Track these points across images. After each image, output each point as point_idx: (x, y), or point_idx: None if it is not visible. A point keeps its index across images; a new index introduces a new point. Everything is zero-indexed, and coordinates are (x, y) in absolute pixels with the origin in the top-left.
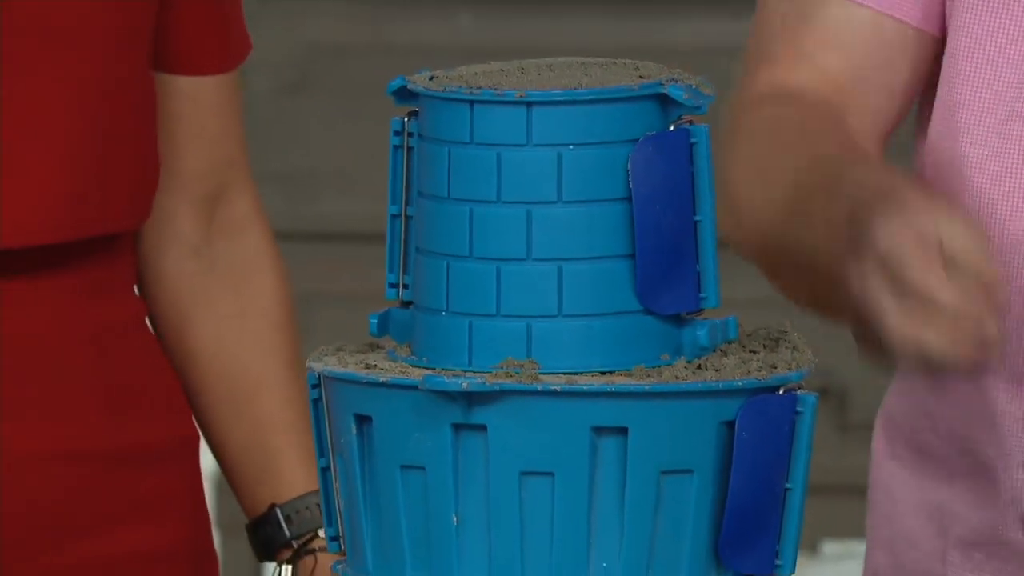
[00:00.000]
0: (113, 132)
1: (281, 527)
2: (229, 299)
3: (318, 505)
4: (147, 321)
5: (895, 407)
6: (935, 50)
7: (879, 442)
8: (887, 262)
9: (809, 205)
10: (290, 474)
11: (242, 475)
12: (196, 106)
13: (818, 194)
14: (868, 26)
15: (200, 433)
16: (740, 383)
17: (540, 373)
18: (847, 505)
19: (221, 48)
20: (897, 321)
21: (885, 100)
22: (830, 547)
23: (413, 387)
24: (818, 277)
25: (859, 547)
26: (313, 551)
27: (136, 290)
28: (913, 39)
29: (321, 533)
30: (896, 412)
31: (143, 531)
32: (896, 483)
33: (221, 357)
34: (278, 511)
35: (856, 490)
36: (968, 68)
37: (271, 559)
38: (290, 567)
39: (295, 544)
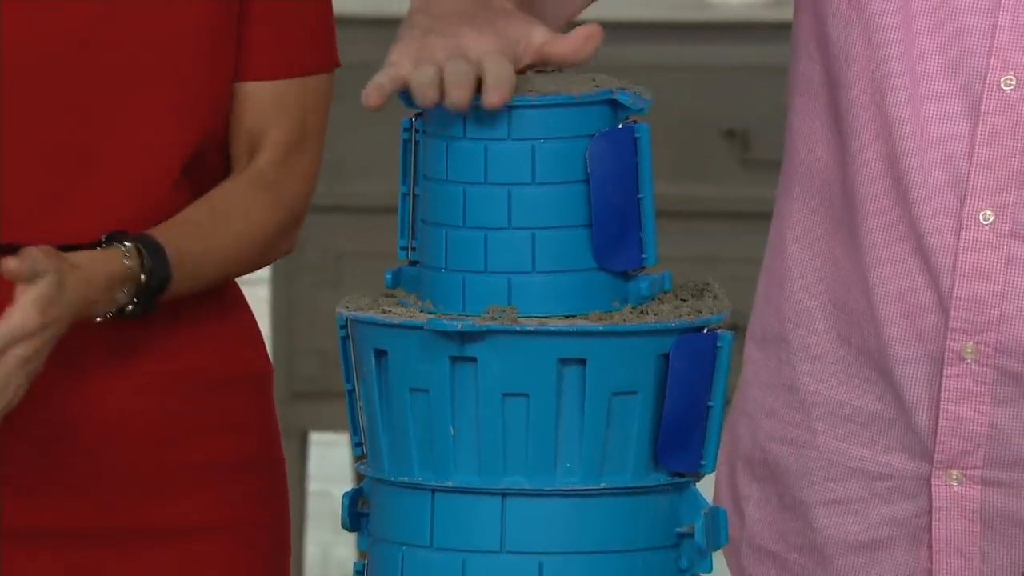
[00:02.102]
0: (202, 139)
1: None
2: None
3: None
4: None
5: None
6: None
7: (748, 347)
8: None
9: None
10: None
11: None
12: (242, 103)
13: None
14: None
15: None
16: (674, 324)
17: (519, 317)
18: None
19: (274, 60)
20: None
21: None
22: None
23: (419, 328)
24: None
25: None
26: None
27: None
28: None
29: (127, 244)
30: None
31: (223, 442)
32: (750, 368)
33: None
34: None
35: None
36: None
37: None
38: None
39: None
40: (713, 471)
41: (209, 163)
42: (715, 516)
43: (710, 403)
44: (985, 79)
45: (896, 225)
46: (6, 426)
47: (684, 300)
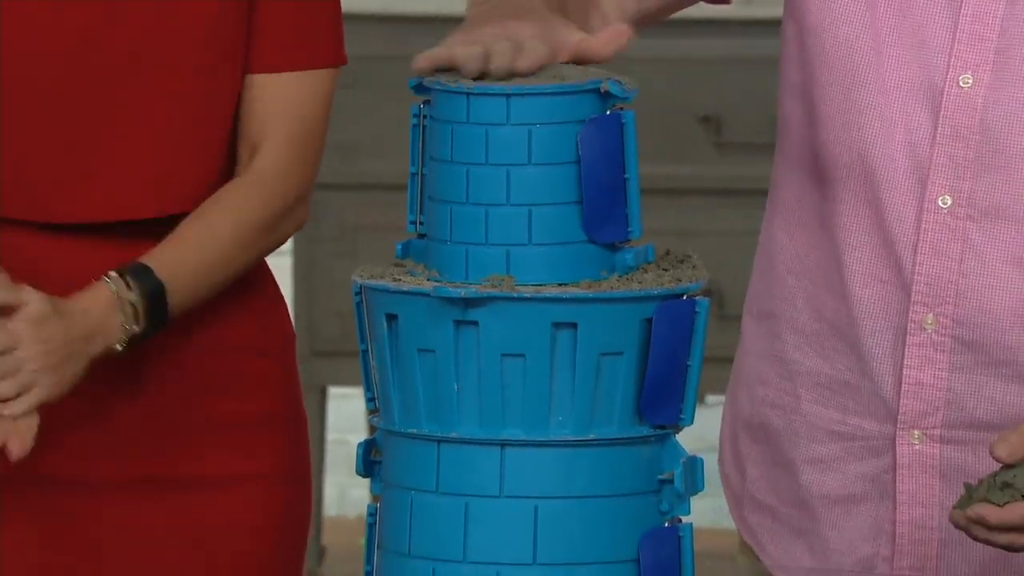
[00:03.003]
0: (212, 126)
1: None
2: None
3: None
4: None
5: (755, 294)
6: None
7: (745, 320)
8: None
9: None
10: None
11: None
12: (249, 93)
13: None
14: None
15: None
16: (656, 291)
17: (516, 284)
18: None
19: (283, 52)
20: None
21: None
22: (711, 399)
23: (426, 294)
24: None
25: None
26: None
27: None
28: None
29: (112, 274)
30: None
31: (251, 400)
32: (747, 341)
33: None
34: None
35: (725, 359)
36: None
37: None
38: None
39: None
40: (692, 424)
41: (217, 150)
42: (692, 464)
43: (688, 363)
44: (946, 77)
45: (864, 210)
46: None
47: (665, 270)
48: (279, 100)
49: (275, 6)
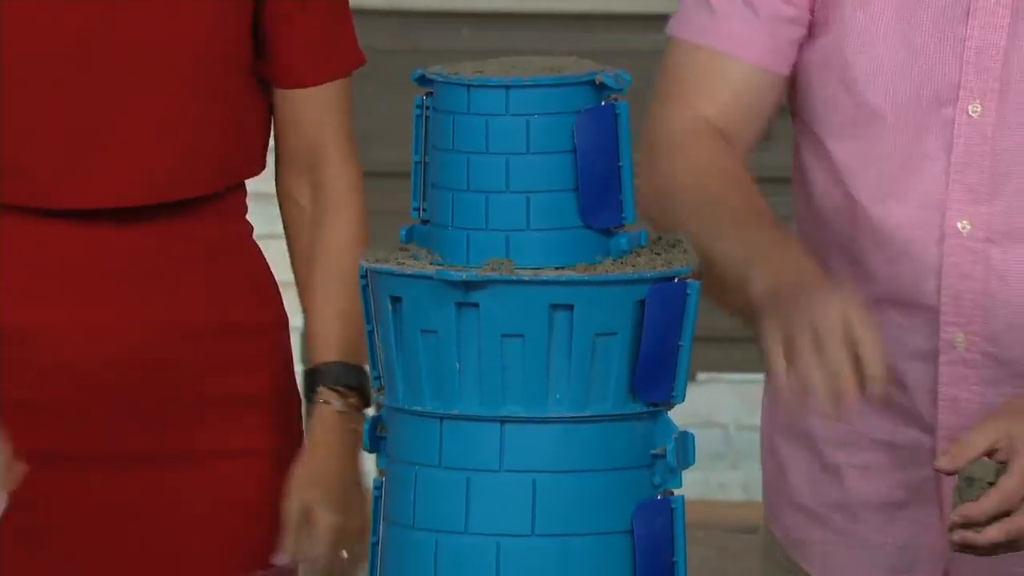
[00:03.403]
0: (219, 119)
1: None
2: (308, 235)
3: (324, 371)
4: (253, 237)
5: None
6: (787, 84)
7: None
8: (791, 330)
9: (747, 266)
10: (318, 350)
11: (307, 344)
12: (287, 106)
13: (747, 264)
14: (746, 76)
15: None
16: (649, 275)
17: (515, 268)
18: (714, 348)
19: (305, 70)
20: (781, 370)
21: (756, 127)
22: (702, 376)
23: (429, 278)
24: (724, 290)
25: (724, 375)
26: (314, 403)
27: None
28: (776, 81)
29: (320, 390)
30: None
31: (242, 381)
32: None
33: (300, 274)
34: (306, 372)
35: (714, 338)
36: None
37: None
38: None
39: (307, 394)
40: (683, 401)
41: (215, 141)
42: (684, 439)
43: (680, 343)
44: (955, 108)
45: (887, 240)
46: (57, 366)
47: (658, 254)
48: (329, 111)
49: (308, 18)
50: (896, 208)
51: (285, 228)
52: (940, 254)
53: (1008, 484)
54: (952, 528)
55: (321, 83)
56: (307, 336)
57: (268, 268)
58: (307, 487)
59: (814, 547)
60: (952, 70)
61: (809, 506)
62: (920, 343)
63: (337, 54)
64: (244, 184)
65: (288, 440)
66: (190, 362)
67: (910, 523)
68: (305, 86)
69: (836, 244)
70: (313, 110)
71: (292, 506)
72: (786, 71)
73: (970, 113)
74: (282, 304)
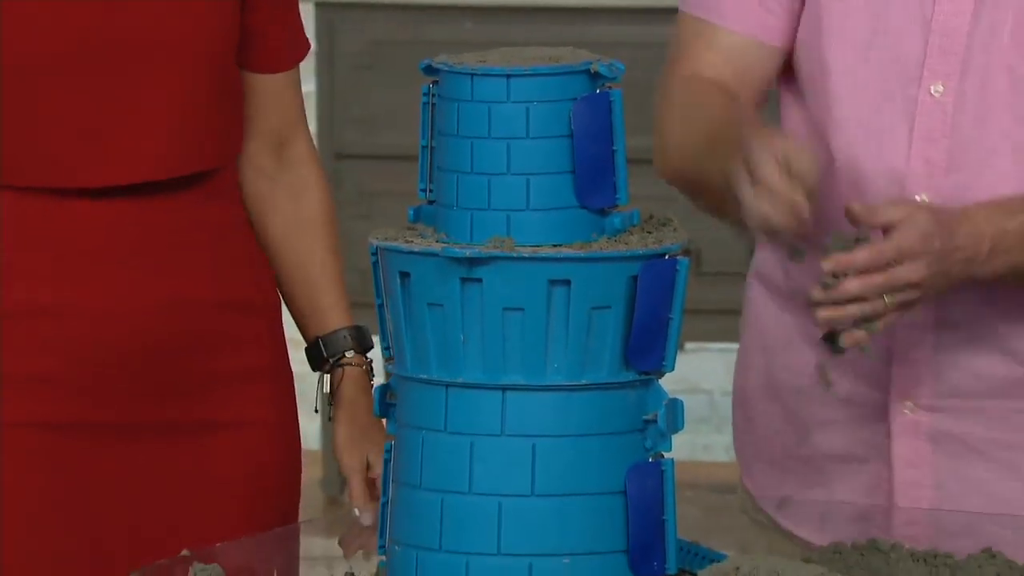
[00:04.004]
0: (215, 102)
1: (322, 350)
2: (289, 211)
3: (345, 337)
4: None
5: (762, 263)
6: (784, 57)
7: (753, 289)
8: (749, 165)
9: (719, 146)
10: (329, 317)
11: (301, 317)
12: (267, 88)
13: (724, 141)
14: (744, 48)
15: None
16: (641, 252)
17: (516, 245)
18: (701, 319)
19: (284, 54)
20: (748, 198)
21: (758, 90)
22: (690, 346)
23: (435, 254)
24: (722, 194)
25: (710, 345)
26: (341, 366)
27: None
28: (770, 54)
29: (348, 355)
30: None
31: (238, 355)
32: (766, 311)
33: (285, 247)
34: (320, 340)
35: (701, 311)
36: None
37: (317, 370)
38: (328, 375)
39: (330, 361)
40: (673, 370)
41: (219, 118)
42: (674, 406)
43: (670, 315)
44: (919, 87)
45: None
46: (76, 341)
47: (649, 232)
48: (296, 93)
49: (274, 10)
50: (861, 179)
51: (251, 203)
52: None
53: (881, 245)
54: (815, 305)
55: (292, 67)
56: (305, 304)
57: (259, 248)
58: (360, 441)
59: (783, 500)
60: (918, 50)
61: (777, 459)
62: None
63: (300, 41)
64: (236, 169)
65: (287, 411)
66: (199, 337)
67: (869, 477)
68: (280, 71)
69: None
70: (284, 92)
71: (353, 462)
72: (779, 44)
73: (932, 92)
74: (274, 283)
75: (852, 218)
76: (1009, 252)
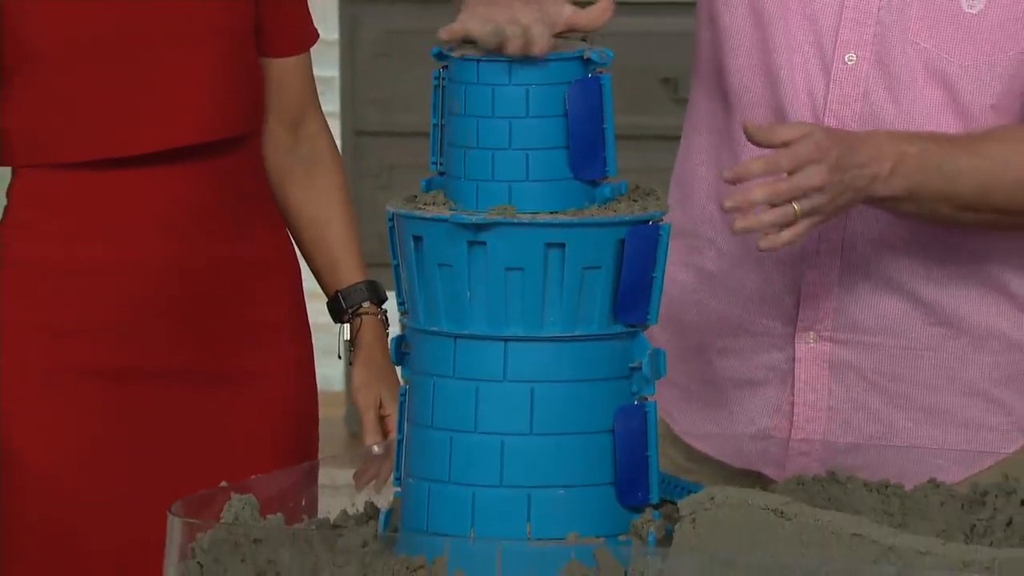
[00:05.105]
0: (237, 79)
1: (341, 303)
2: (307, 181)
3: (361, 290)
4: (270, 187)
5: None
6: None
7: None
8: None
9: None
10: (346, 273)
11: (320, 275)
12: (282, 72)
13: None
14: None
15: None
16: (628, 218)
17: (517, 213)
18: None
19: (296, 40)
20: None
21: None
22: None
23: (445, 220)
24: None
25: None
26: (359, 316)
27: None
28: None
29: (365, 306)
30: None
31: (258, 309)
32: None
33: (304, 213)
34: (338, 294)
35: None
36: None
37: (338, 321)
38: (347, 325)
39: (349, 312)
40: (656, 323)
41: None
42: (656, 355)
43: (653, 275)
44: (834, 55)
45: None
46: (116, 294)
47: (635, 200)
48: (306, 76)
49: (285, 2)
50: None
51: (272, 174)
52: None
53: (777, 154)
54: (729, 212)
55: (304, 52)
56: (323, 262)
57: (281, 215)
58: (375, 382)
59: (685, 418)
60: (833, 23)
61: (680, 383)
62: (793, 251)
63: (309, 30)
64: (258, 143)
65: (305, 360)
66: (226, 294)
67: (771, 401)
68: (292, 55)
69: (725, 161)
70: (297, 75)
71: (368, 400)
72: None
73: (846, 61)
74: (292, 245)
75: (749, 136)
76: (909, 175)
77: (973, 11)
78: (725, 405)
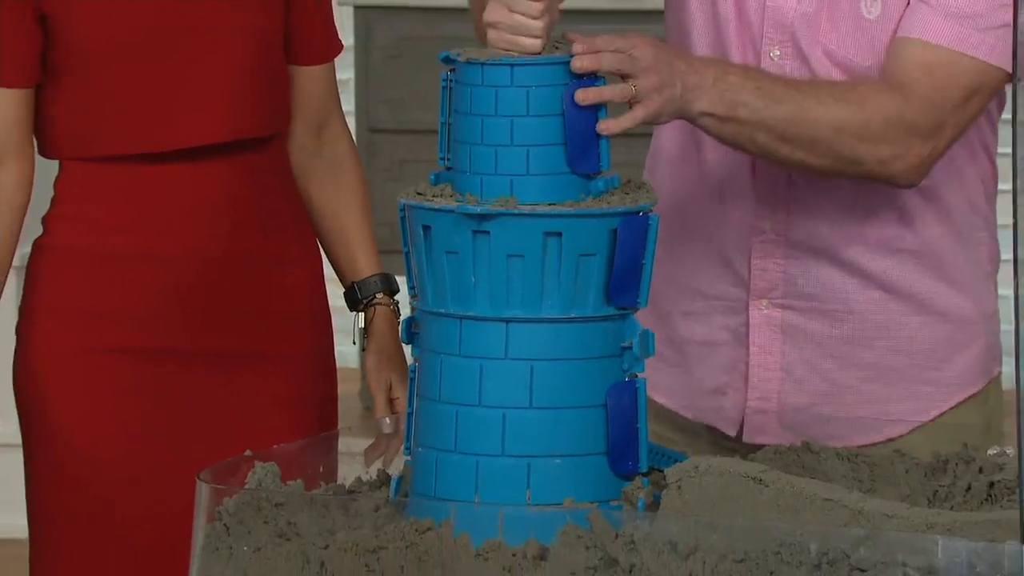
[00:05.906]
0: (266, 82)
1: (356, 293)
2: (329, 181)
3: (376, 282)
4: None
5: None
6: None
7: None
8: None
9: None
10: (362, 266)
11: (338, 267)
12: (308, 79)
13: None
14: None
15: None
16: (620, 209)
17: (518, 204)
18: None
19: (323, 50)
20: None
21: None
22: None
23: (452, 211)
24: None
25: None
26: (373, 305)
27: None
28: None
29: (378, 297)
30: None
31: (280, 300)
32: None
33: (326, 211)
34: (355, 285)
35: None
36: None
37: (353, 309)
38: (362, 314)
39: (364, 301)
40: (646, 306)
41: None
42: (646, 336)
43: (643, 261)
44: (761, 51)
45: (732, 155)
46: (152, 281)
47: (627, 193)
48: (330, 84)
49: (314, 14)
50: None
51: (297, 174)
52: (752, 161)
53: (614, 36)
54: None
55: (329, 61)
56: (342, 256)
57: (304, 211)
58: (386, 367)
59: (651, 375)
60: (759, 20)
61: None
62: (740, 225)
63: (334, 42)
64: (284, 145)
65: (325, 345)
66: (251, 283)
67: (726, 359)
68: (318, 64)
69: (682, 158)
70: (322, 82)
71: (379, 383)
72: None
73: (771, 56)
74: (316, 240)
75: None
76: (730, 91)
77: (871, 16)
78: (686, 363)
